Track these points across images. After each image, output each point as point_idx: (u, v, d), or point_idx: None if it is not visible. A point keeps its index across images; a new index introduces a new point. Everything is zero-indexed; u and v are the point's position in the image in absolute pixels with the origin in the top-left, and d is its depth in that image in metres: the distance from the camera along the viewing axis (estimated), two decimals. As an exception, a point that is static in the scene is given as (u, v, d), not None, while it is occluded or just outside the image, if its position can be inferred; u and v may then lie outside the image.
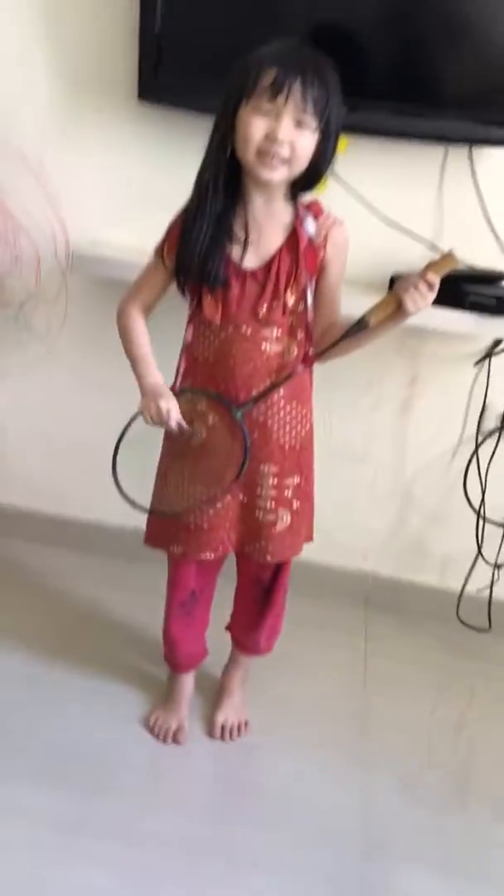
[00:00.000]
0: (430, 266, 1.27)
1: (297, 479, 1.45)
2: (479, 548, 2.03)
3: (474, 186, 1.76)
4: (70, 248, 1.98)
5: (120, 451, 1.39)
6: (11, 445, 2.22)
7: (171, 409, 1.33)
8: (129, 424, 1.39)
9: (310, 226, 1.34)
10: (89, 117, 1.87)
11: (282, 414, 1.40)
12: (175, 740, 1.62)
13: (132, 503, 1.40)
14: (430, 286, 1.25)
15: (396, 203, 1.80)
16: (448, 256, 1.27)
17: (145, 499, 1.45)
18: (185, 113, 1.76)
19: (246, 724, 1.68)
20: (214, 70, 1.59)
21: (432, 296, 1.26)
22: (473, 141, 1.71)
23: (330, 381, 1.88)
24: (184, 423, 1.35)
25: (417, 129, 1.69)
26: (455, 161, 1.77)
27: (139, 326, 1.41)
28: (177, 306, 1.42)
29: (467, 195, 1.77)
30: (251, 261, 1.33)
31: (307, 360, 1.37)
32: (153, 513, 1.46)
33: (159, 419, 1.34)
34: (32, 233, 2.00)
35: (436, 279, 1.25)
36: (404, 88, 1.66)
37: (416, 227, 1.81)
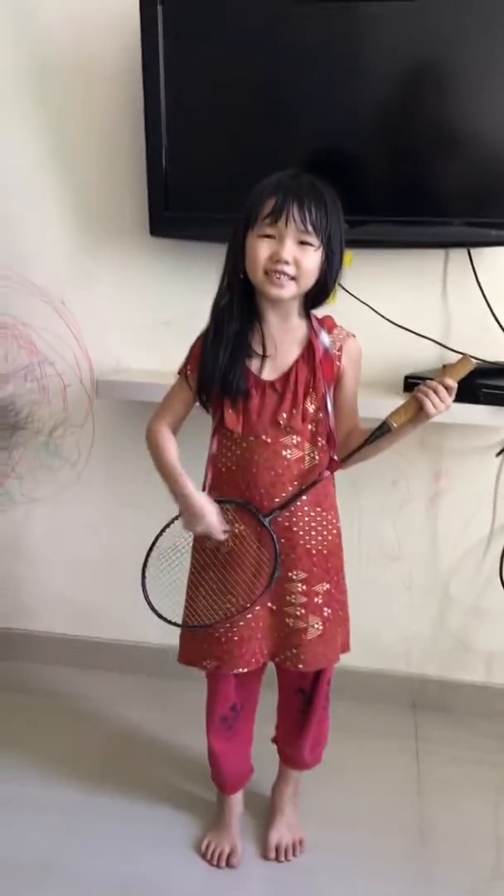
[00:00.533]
0: (448, 370, 1.34)
1: (326, 586, 1.45)
2: (523, 639, 2.00)
3: (477, 285, 1.83)
4: (94, 375, 2.06)
5: (150, 566, 1.42)
6: (45, 571, 2.25)
7: (214, 523, 1.38)
8: (156, 539, 1.43)
9: (325, 338, 1.40)
10: (105, 253, 2.00)
11: (306, 519, 1.42)
12: (229, 864, 1.57)
13: (162, 618, 1.41)
14: (449, 389, 1.31)
15: (404, 307, 1.87)
16: (464, 360, 1.34)
17: (177, 614, 1.46)
18: (194, 244, 1.87)
19: (301, 842, 1.62)
20: (219, 203, 1.71)
21: (451, 398, 1.32)
22: (472, 244, 1.79)
23: (356, 481, 1.93)
24: (224, 532, 1.39)
25: (418, 238, 1.77)
26: (456, 263, 1.85)
27: (169, 443, 1.45)
28: (200, 421, 1.47)
29: (471, 294, 1.84)
30: (270, 373, 1.39)
31: (332, 466, 1.40)
32: (184, 626, 1.46)
33: (209, 533, 1.39)
34: (58, 364, 2.09)
35: (453, 383, 1.32)
36: (402, 201, 1.75)
37: (426, 329, 1.88)
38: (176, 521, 1.43)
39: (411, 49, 1.67)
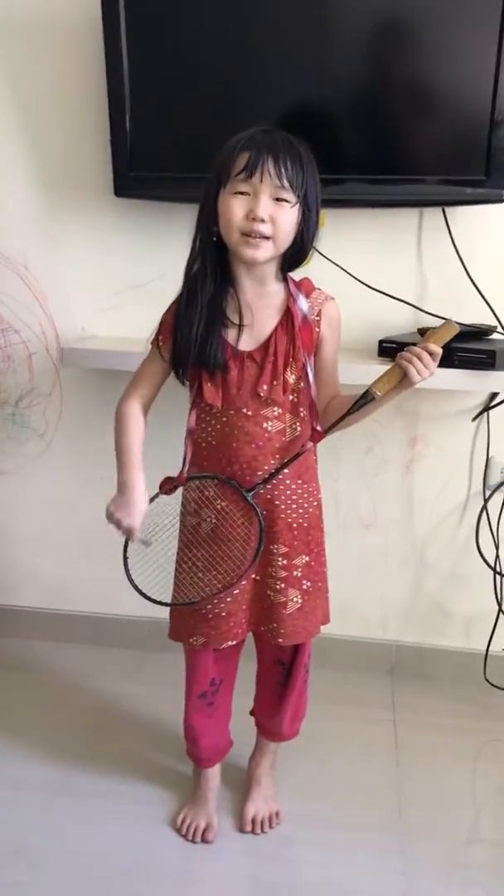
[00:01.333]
0: (431, 335, 1.28)
1: (305, 559, 1.42)
2: (500, 605, 1.99)
3: (452, 245, 1.78)
4: (60, 343, 2.00)
5: (131, 544, 1.37)
6: (17, 545, 2.21)
7: (133, 527, 1.33)
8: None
9: (303, 304, 1.35)
10: (68, 216, 1.93)
11: (288, 493, 1.39)
12: (204, 839, 1.55)
13: (147, 597, 1.37)
14: (434, 355, 1.26)
15: (378, 269, 1.83)
16: (448, 325, 1.29)
17: (162, 591, 1.42)
18: (160, 204, 1.81)
19: (277, 814, 1.60)
20: (185, 162, 1.66)
21: (435, 365, 1.27)
22: (447, 202, 1.74)
23: (331, 449, 1.90)
24: (143, 540, 1.35)
25: (392, 197, 1.72)
26: (430, 223, 1.80)
27: (134, 425, 1.39)
28: (179, 395, 1.42)
29: (446, 254, 1.80)
30: (247, 343, 1.34)
31: (315, 437, 1.36)
32: (169, 605, 1.42)
33: (120, 530, 1.35)
34: (23, 331, 2.03)
35: (438, 349, 1.27)
36: (375, 159, 1.70)
37: (400, 291, 1.83)
38: (158, 498, 1.38)
39: (383, 5, 1.61)
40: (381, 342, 1.73)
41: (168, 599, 1.42)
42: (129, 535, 1.34)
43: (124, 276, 1.93)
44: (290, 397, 1.35)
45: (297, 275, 1.39)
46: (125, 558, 1.37)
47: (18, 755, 1.78)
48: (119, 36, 1.68)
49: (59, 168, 1.90)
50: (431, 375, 1.27)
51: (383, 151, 1.69)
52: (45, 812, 1.62)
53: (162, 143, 1.75)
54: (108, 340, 1.93)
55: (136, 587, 1.36)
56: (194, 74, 1.69)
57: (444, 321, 1.32)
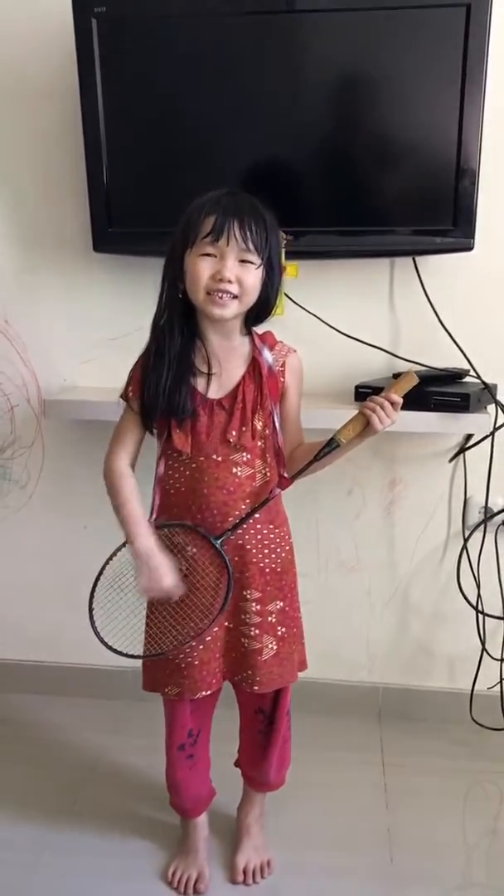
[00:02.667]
0: (393, 386, 1.34)
1: (280, 604, 1.43)
2: (483, 644, 2.00)
3: (423, 293, 1.83)
4: (42, 395, 2.02)
5: (100, 595, 1.37)
6: (1, 597, 2.19)
7: (170, 588, 1.33)
8: (102, 570, 1.38)
9: (268, 355, 1.39)
10: (48, 271, 1.96)
11: (259, 537, 1.40)
12: (196, 890, 1.53)
13: (112, 649, 1.37)
14: (395, 404, 1.32)
15: (353, 317, 1.87)
16: (408, 375, 1.35)
17: (134, 641, 1.41)
18: (139, 258, 1.85)
19: (269, 863, 1.59)
20: (162, 217, 1.68)
21: (397, 413, 1.32)
22: (417, 252, 1.79)
23: (312, 491, 1.92)
24: (182, 590, 1.35)
25: (363, 248, 1.77)
26: (402, 271, 1.85)
27: (126, 484, 1.39)
28: (147, 443, 1.44)
29: (418, 301, 1.84)
30: (216, 391, 1.37)
31: (283, 483, 1.39)
32: (134, 657, 1.40)
33: (160, 592, 1.34)
34: (4, 384, 2.05)
35: (398, 398, 1.32)
36: (345, 211, 1.74)
37: (375, 338, 1.87)
38: (123, 549, 1.38)
39: (350, 60, 1.67)
40: (357, 387, 1.76)
41: (138, 650, 1.42)
42: (173, 595, 1.34)
43: (104, 328, 1.96)
44: (259, 443, 1.38)
45: (268, 324, 1.43)
46: (90, 611, 1.37)
47: (3, 813, 1.75)
48: (95, 93, 1.72)
49: (38, 224, 1.94)
50: (392, 423, 1.32)
51: (353, 203, 1.74)
52: (34, 872, 1.59)
53: (139, 198, 1.79)
54: (89, 391, 1.95)
55: (104, 642, 1.36)
56: (169, 131, 1.74)
57: (404, 372, 1.37)
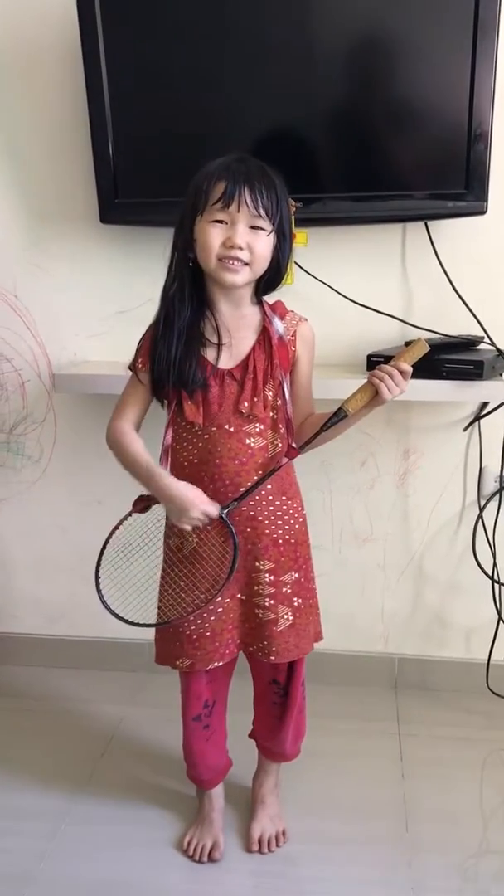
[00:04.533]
0: (402, 354, 1.32)
1: (295, 575, 1.43)
2: (499, 613, 1.99)
3: (436, 258, 1.80)
4: (52, 370, 2.02)
5: (108, 564, 1.38)
6: (16, 572, 2.21)
7: (209, 513, 1.32)
8: (108, 538, 1.39)
9: (278, 324, 1.37)
10: (56, 244, 1.94)
11: (271, 508, 1.39)
12: (211, 859, 1.55)
13: (117, 616, 1.37)
14: (404, 373, 1.30)
15: (364, 285, 1.84)
16: (418, 343, 1.33)
17: (144, 611, 1.42)
18: (145, 229, 1.83)
19: (284, 833, 1.60)
20: (169, 187, 1.66)
21: (406, 382, 1.30)
22: (429, 217, 1.76)
23: (325, 463, 1.91)
24: (217, 508, 1.34)
25: (374, 213, 1.74)
26: (414, 237, 1.82)
27: (133, 440, 1.38)
28: (154, 413, 1.43)
29: (430, 267, 1.81)
30: (227, 361, 1.35)
31: (291, 453, 1.37)
32: (140, 624, 1.40)
33: (206, 518, 1.33)
34: (15, 360, 2.04)
35: (408, 367, 1.30)
36: (356, 176, 1.72)
37: (386, 305, 1.85)
38: (129, 518, 1.38)
39: (360, 23, 1.63)
40: (369, 356, 1.74)
41: (148, 620, 1.42)
42: (212, 519, 1.33)
43: (113, 301, 1.95)
44: (270, 414, 1.37)
45: (278, 293, 1.41)
46: (97, 580, 1.37)
47: (22, 784, 1.77)
48: (99, 63, 1.70)
49: (44, 197, 1.92)
50: (402, 393, 1.30)
51: (364, 168, 1.71)
52: (51, 840, 1.61)
53: (145, 168, 1.77)
54: (99, 365, 1.95)
55: (109, 610, 1.37)
56: (175, 99, 1.71)
57: (414, 340, 1.35)
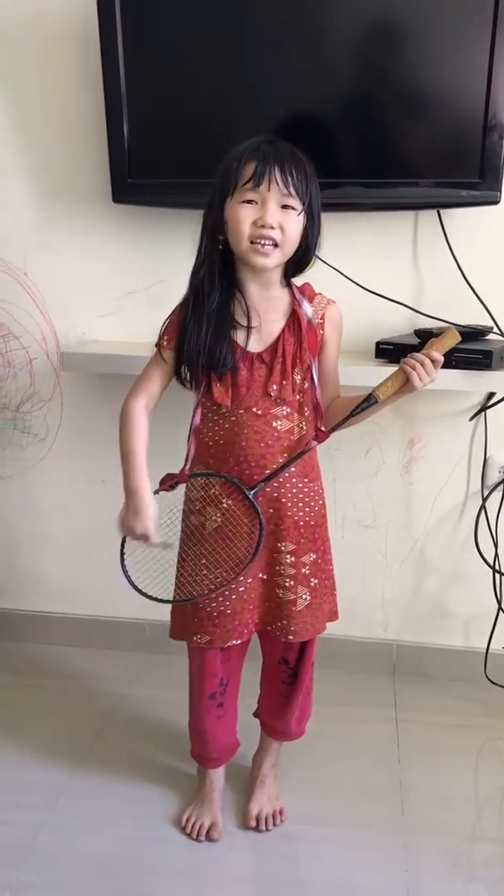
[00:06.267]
0: (434, 343, 1.33)
1: (313, 556, 1.44)
2: (500, 603, 2.00)
3: (448, 247, 1.80)
4: (60, 348, 2.02)
5: (128, 543, 1.39)
6: (20, 549, 2.22)
7: (147, 532, 1.34)
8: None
9: (307, 308, 1.38)
10: (68, 223, 1.94)
11: (294, 491, 1.40)
12: (209, 837, 1.56)
13: (144, 594, 1.39)
14: (435, 363, 1.31)
15: (375, 272, 1.84)
16: (450, 332, 1.34)
17: (161, 589, 1.43)
18: (157, 210, 1.83)
19: (281, 812, 1.62)
20: (182, 168, 1.67)
21: (437, 372, 1.32)
22: (441, 205, 1.76)
23: (330, 451, 1.91)
24: (163, 543, 1.36)
25: (387, 200, 1.74)
26: (426, 225, 1.82)
27: (138, 424, 1.39)
28: (183, 392, 1.43)
29: (441, 256, 1.81)
30: (256, 344, 1.36)
31: (320, 437, 1.38)
32: (165, 601, 1.43)
33: (134, 538, 1.36)
34: (23, 337, 2.04)
35: (440, 356, 1.32)
36: (370, 162, 1.72)
37: (397, 293, 1.85)
38: (157, 495, 1.39)
39: (379, 8, 1.62)
40: (378, 344, 1.74)
41: (164, 597, 1.43)
42: (145, 541, 1.35)
43: (123, 281, 1.95)
44: (297, 397, 1.37)
45: (297, 280, 1.41)
46: (122, 556, 1.38)
47: (23, 759, 1.79)
48: (115, 42, 1.69)
49: (57, 175, 1.92)
50: (432, 382, 1.31)
51: (379, 155, 1.71)
52: (52, 814, 1.63)
53: (159, 149, 1.76)
54: (107, 345, 1.94)
55: (134, 586, 1.38)
56: (191, 80, 1.70)
57: (447, 328, 1.36)
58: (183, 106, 1.72)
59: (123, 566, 1.38)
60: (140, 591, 1.38)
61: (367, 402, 1.33)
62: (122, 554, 1.39)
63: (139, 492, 1.35)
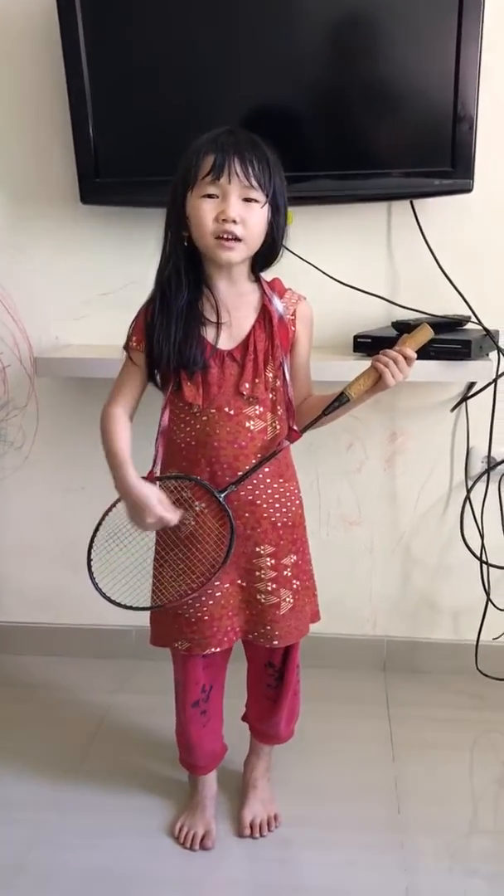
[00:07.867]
0: (407, 339, 1.30)
1: (293, 558, 1.42)
2: (488, 594, 1.99)
3: (422, 237, 1.78)
4: (33, 354, 1.98)
5: (99, 547, 1.36)
6: (1, 560, 2.18)
7: (164, 518, 1.30)
8: (99, 522, 1.37)
9: (278, 304, 1.35)
10: (36, 225, 1.91)
11: (269, 492, 1.38)
12: (203, 846, 1.53)
13: (110, 600, 1.36)
14: (408, 359, 1.28)
15: (350, 265, 1.82)
16: (422, 329, 1.31)
17: (137, 595, 1.40)
18: (127, 209, 1.80)
19: (276, 817, 1.59)
20: (150, 166, 1.64)
21: (410, 368, 1.28)
22: (414, 195, 1.74)
23: (312, 446, 1.90)
24: (178, 516, 1.32)
25: (359, 191, 1.72)
26: (399, 216, 1.80)
27: (120, 428, 1.35)
28: (149, 393, 1.40)
29: (416, 247, 1.80)
30: (226, 341, 1.33)
31: (293, 436, 1.35)
32: (133, 608, 1.38)
33: (155, 528, 1.33)
34: (-5, 344, 2.01)
35: (413, 353, 1.28)
36: (341, 154, 1.70)
37: (373, 285, 1.83)
38: (119, 503, 1.36)
39: (344, 2, 1.61)
40: (356, 337, 1.72)
41: (141, 604, 1.40)
42: (169, 524, 1.31)
43: (95, 283, 1.91)
44: (270, 395, 1.34)
45: (268, 274, 1.38)
46: (89, 563, 1.35)
47: (11, 773, 1.75)
48: (77, 38, 1.67)
49: (23, 177, 1.88)
50: (405, 379, 1.28)
51: (350, 146, 1.69)
52: (43, 829, 1.59)
53: (126, 147, 1.74)
54: (82, 348, 1.92)
55: (101, 592, 1.35)
56: (157, 75, 1.68)
57: (419, 324, 1.33)
58: (149, 101, 1.70)
59: (91, 575, 1.35)
60: (108, 599, 1.35)
61: (339, 402, 1.31)
62: (90, 562, 1.35)
63: (133, 487, 1.30)
